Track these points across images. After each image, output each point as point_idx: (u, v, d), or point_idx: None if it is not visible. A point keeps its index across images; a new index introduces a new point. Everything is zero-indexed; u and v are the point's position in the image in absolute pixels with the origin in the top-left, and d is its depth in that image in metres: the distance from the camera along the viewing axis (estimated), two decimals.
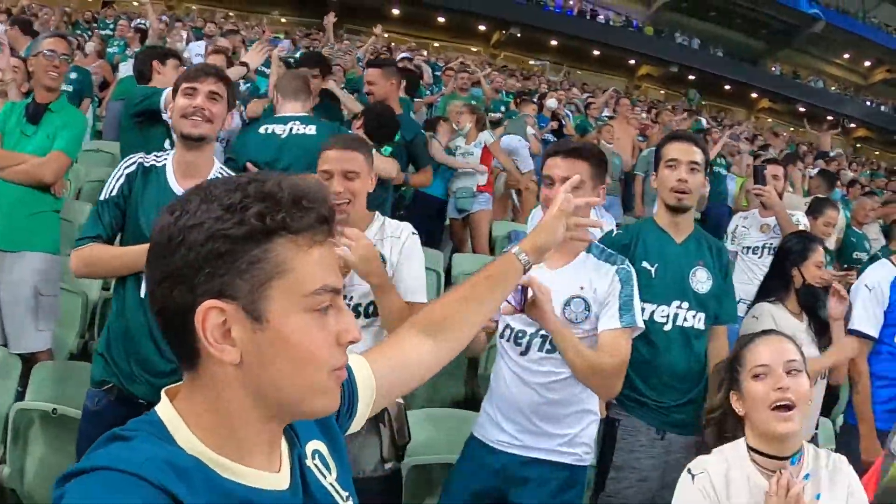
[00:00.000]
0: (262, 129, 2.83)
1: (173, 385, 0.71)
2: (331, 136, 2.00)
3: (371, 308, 1.85)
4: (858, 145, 23.69)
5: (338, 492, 0.78)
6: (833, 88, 25.19)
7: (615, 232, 2.24)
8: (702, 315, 2.09)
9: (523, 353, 1.82)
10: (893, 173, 18.18)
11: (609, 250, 1.89)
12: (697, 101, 20.35)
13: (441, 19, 21.56)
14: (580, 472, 1.84)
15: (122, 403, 1.79)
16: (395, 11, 20.98)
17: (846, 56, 26.08)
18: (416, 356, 0.98)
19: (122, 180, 1.86)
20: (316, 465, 0.78)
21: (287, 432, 0.75)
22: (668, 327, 2.05)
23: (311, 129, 2.79)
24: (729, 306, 2.20)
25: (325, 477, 0.78)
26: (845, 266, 3.98)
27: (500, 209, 5.62)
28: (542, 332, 1.76)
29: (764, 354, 1.46)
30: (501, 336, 1.89)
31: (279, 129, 2.79)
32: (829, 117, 21.36)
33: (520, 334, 1.84)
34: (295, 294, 0.65)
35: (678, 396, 2.07)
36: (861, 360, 2.61)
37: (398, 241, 1.87)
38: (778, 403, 1.39)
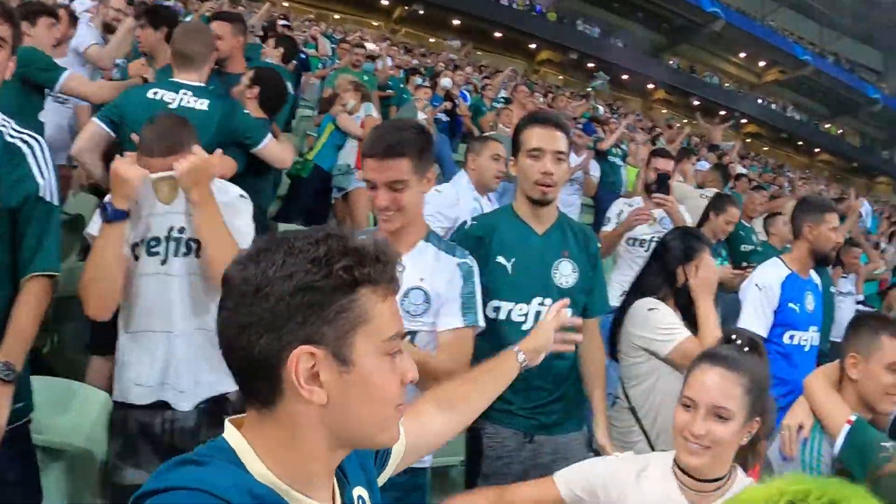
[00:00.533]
0: (151, 93, 2.39)
1: (236, 416, 0.75)
2: (370, 135, 1.67)
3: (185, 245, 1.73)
4: (748, 140, 24.62)
5: None
6: (727, 85, 26.14)
7: (468, 223, 2.01)
8: (567, 311, 1.85)
9: None
10: (781, 167, 19.14)
11: (449, 241, 1.75)
12: (600, 87, 20.59)
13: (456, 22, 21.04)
14: (421, 475, 1.70)
15: None
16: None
17: (742, 55, 27.16)
18: (432, 429, 1.10)
19: None
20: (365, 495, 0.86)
21: (337, 473, 0.79)
22: (527, 326, 1.86)
23: (203, 104, 2.38)
24: (599, 298, 2.04)
25: None
26: (743, 265, 3.82)
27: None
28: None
29: (695, 387, 1.35)
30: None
31: (169, 97, 2.38)
32: (722, 112, 22.06)
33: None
34: (375, 340, 0.71)
35: (545, 397, 1.94)
36: None
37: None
38: (689, 440, 1.31)
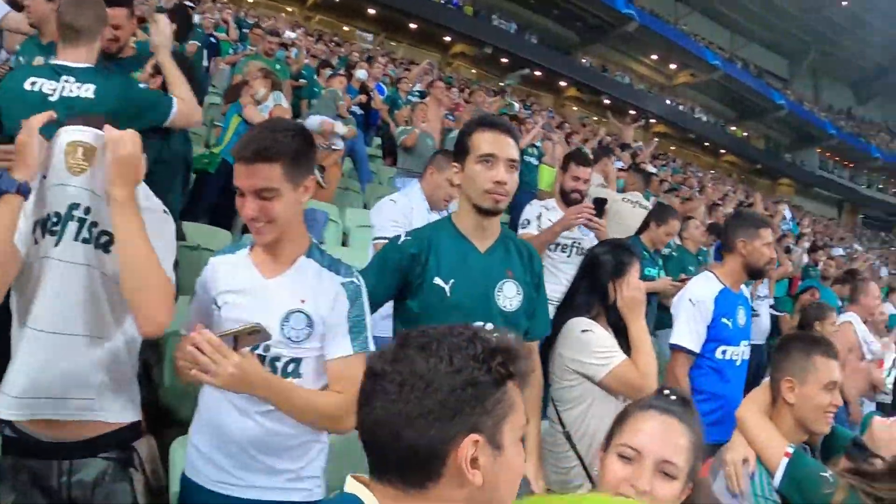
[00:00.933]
0: (28, 84, 2.05)
1: (364, 476, 0.82)
2: (243, 137, 1.47)
3: None
4: (657, 140, 25.57)
5: None
6: (638, 85, 26.99)
7: (402, 238, 1.80)
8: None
9: None
10: (688, 165, 19.93)
11: (333, 257, 1.55)
12: (516, 83, 20.94)
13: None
14: None
15: None
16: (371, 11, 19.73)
17: (654, 57, 28.07)
18: None
19: None
20: None
21: None
22: None
23: (89, 91, 2.04)
24: (541, 320, 1.91)
25: None
26: (682, 277, 3.77)
27: None
28: (262, 344, 1.43)
29: (639, 435, 1.15)
30: None
31: (48, 88, 2.04)
32: (632, 111, 22.80)
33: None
34: (518, 427, 0.81)
35: None
36: (682, 374, 2.53)
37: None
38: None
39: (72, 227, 1.41)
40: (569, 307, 2.12)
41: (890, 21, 28.55)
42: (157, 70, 2.56)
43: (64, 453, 1.42)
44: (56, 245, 1.40)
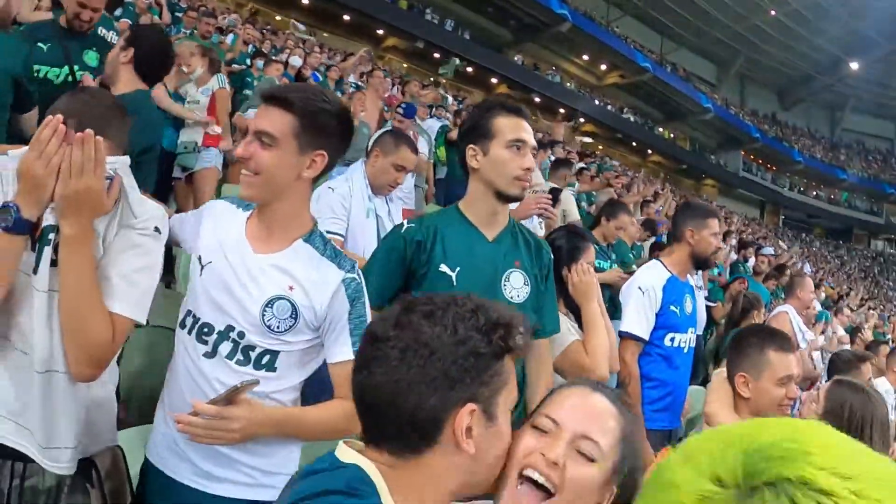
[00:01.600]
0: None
1: (356, 440, 0.83)
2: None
3: None
4: (586, 139, 26.43)
5: None
6: (569, 85, 27.74)
7: (405, 226, 1.72)
8: None
9: (208, 356, 1.35)
10: (605, 159, 20.64)
11: (337, 249, 1.41)
12: (450, 71, 21.07)
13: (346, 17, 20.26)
14: None
15: None
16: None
17: (585, 57, 28.82)
18: None
19: None
20: None
21: None
22: None
23: None
24: (550, 316, 1.82)
25: None
26: (633, 268, 3.82)
27: (236, 171, 4.88)
28: (237, 330, 1.33)
29: (563, 406, 0.93)
30: (182, 325, 1.40)
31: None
32: (562, 110, 23.51)
33: (206, 329, 1.36)
34: (510, 400, 0.84)
35: None
36: (632, 361, 2.53)
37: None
38: (526, 475, 0.87)
39: (45, 250, 1.25)
40: None
41: (815, 31, 30.19)
42: (130, 41, 2.41)
43: (20, 455, 1.26)
44: (34, 272, 1.25)
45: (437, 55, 22.96)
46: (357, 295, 1.37)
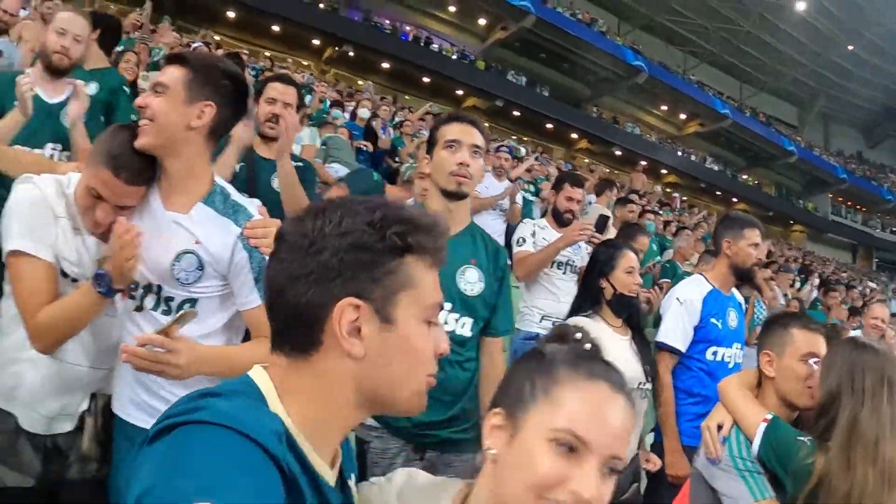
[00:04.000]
0: None
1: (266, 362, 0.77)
2: None
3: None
4: (668, 190, 25.65)
5: None
6: (649, 136, 27.18)
7: None
8: (468, 320, 1.83)
9: (138, 310, 1.55)
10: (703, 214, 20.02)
11: (236, 201, 1.54)
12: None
13: (276, 28, 21.04)
14: None
15: None
16: (230, 14, 20.24)
17: (664, 108, 28.33)
18: None
19: None
20: (354, 488, 0.85)
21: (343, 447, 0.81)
22: None
23: None
24: (504, 316, 1.94)
25: None
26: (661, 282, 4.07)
27: None
28: (155, 284, 1.51)
29: (592, 424, 0.77)
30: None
31: None
32: (643, 162, 22.92)
33: (132, 286, 1.53)
34: (418, 305, 0.75)
35: (439, 410, 1.78)
36: (665, 373, 2.49)
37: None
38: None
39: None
40: (571, 309, 2.25)
41: (895, 62, 28.83)
42: (94, 24, 2.74)
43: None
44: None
45: (516, 113, 22.91)
46: (251, 246, 1.50)
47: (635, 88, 25.49)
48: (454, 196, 1.83)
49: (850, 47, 28.35)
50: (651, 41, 26.84)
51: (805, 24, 26.82)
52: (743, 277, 2.64)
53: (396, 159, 7.11)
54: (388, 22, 21.81)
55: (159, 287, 1.50)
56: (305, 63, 21.40)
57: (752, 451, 1.62)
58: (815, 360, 1.68)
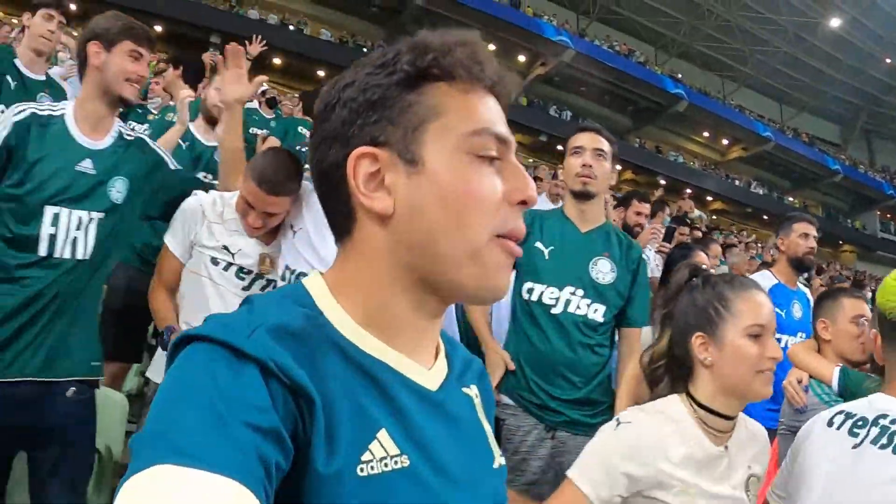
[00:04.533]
0: None
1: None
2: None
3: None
4: (714, 217, 25.38)
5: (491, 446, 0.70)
6: (692, 163, 27.01)
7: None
8: (600, 307, 1.99)
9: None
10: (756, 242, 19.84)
11: None
12: None
13: (321, 73, 21.58)
14: None
15: None
16: (277, 61, 20.92)
17: (705, 134, 28.18)
18: None
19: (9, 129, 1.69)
20: (476, 398, 0.71)
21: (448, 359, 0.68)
22: (556, 310, 1.96)
23: None
24: (640, 308, 2.08)
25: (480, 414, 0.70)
26: None
27: None
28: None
29: (764, 313, 1.24)
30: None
31: None
32: (688, 190, 22.78)
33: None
34: (452, 134, 0.59)
35: (570, 390, 1.93)
36: None
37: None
38: (766, 370, 1.22)
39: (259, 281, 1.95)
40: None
41: None
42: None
43: None
44: (244, 290, 1.93)
45: (560, 147, 23.04)
46: None
47: (676, 116, 25.47)
48: (582, 196, 2.04)
49: (889, 60, 27.94)
50: (689, 68, 26.89)
51: (841, 41, 26.55)
52: (800, 268, 2.90)
53: None
54: None
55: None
56: None
57: (833, 388, 1.89)
58: (864, 319, 2.01)
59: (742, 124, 26.71)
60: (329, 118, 0.62)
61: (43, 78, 2.80)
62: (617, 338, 2.11)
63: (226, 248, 1.90)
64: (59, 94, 2.79)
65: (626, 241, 2.09)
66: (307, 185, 1.85)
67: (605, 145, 2.05)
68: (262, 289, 1.92)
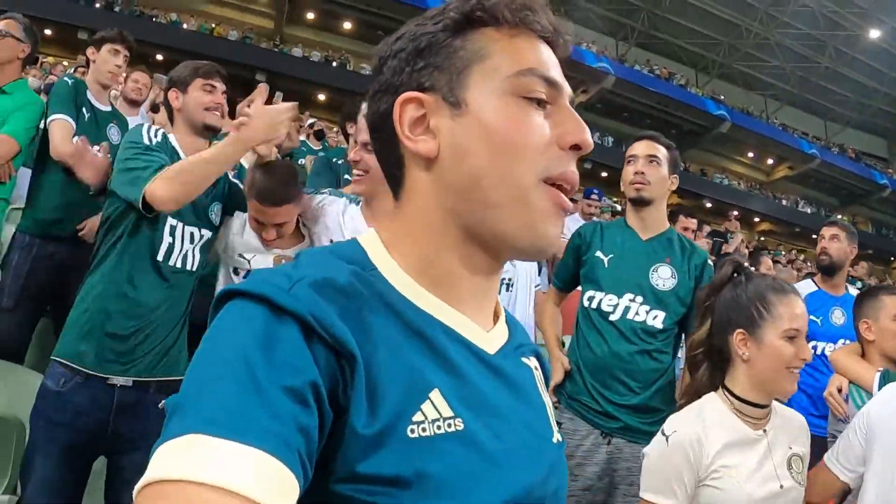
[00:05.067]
0: None
1: None
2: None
3: None
4: (762, 238, 24.94)
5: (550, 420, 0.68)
6: (738, 184, 26.65)
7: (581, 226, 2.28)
8: (660, 313, 1.98)
9: None
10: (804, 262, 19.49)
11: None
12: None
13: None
14: None
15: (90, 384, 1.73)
16: (321, 97, 21.31)
17: (750, 154, 27.84)
18: None
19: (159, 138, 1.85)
20: (536, 370, 0.69)
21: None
22: (614, 317, 1.99)
23: None
24: None
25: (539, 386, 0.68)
26: None
27: None
28: None
29: (801, 318, 1.38)
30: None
31: None
32: (735, 212, 22.45)
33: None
34: (496, 75, 0.59)
35: (627, 395, 1.93)
36: None
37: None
38: (795, 369, 1.36)
39: None
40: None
41: None
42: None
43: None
44: None
45: (604, 174, 22.94)
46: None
47: (720, 138, 25.25)
48: (638, 202, 2.07)
49: None
50: (730, 89, 26.69)
51: (882, 52, 26.06)
52: (827, 270, 2.98)
53: None
54: None
55: None
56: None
57: (874, 394, 1.84)
58: None
59: (786, 143, 26.34)
60: (381, 71, 0.62)
61: (109, 109, 2.88)
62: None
63: (241, 256, 1.96)
64: (123, 125, 2.89)
65: (689, 247, 2.08)
66: (322, 198, 1.88)
67: (661, 151, 2.06)
68: None
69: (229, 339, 0.47)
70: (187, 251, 1.88)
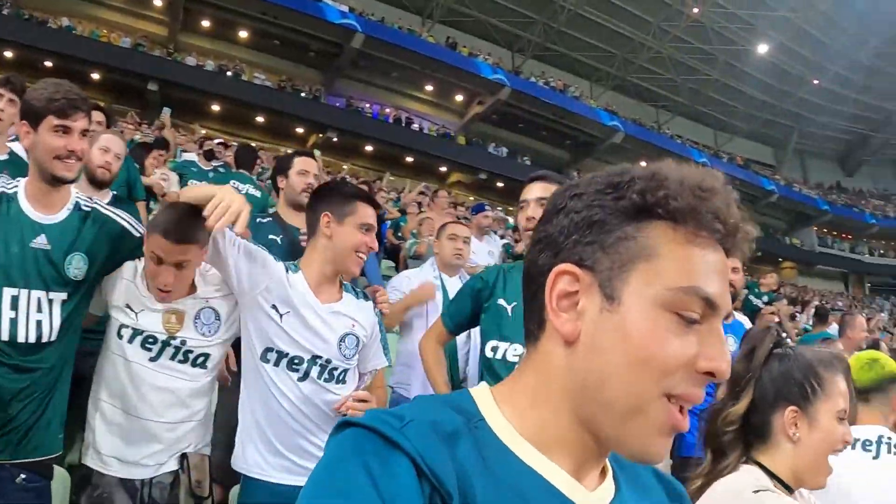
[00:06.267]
0: None
1: None
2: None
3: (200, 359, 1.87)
4: None
5: None
6: None
7: (484, 270, 2.27)
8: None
9: (301, 379, 1.86)
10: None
11: (357, 287, 2.03)
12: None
13: (260, 119, 21.71)
14: None
15: None
16: (215, 108, 20.91)
17: (643, 164, 28.64)
18: None
19: None
20: None
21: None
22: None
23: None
24: None
25: None
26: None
27: None
28: (324, 357, 1.86)
29: (844, 396, 1.27)
30: (265, 360, 1.85)
31: None
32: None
33: (295, 360, 1.85)
34: (658, 282, 0.57)
35: None
36: None
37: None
38: (836, 452, 1.26)
39: (169, 350, 1.83)
40: None
41: (862, 90, 29.81)
42: None
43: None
44: (151, 360, 1.82)
45: (500, 184, 23.45)
46: (380, 318, 2.02)
47: (614, 148, 26.12)
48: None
49: (816, 82, 29.26)
50: (624, 101, 27.71)
51: (770, 66, 27.75)
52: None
53: (398, 235, 7.48)
54: (368, 106, 22.50)
55: (328, 360, 1.87)
56: (290, 151, 21.89)
57: None
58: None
59: (678, 152, 27.43)
60: (551, 221, 0.62)
61: (4, 158, 2.56)
62: None
63: (129, 307, 1.81)
64: (18, 171, 2.61)
65: None
66: (285, 266, 1.87)
67: (546, 192, 1.99)
68: (172, 357, 1.82)
69: (347, 470, 0.52)
70: (40, 321, 1.65)
